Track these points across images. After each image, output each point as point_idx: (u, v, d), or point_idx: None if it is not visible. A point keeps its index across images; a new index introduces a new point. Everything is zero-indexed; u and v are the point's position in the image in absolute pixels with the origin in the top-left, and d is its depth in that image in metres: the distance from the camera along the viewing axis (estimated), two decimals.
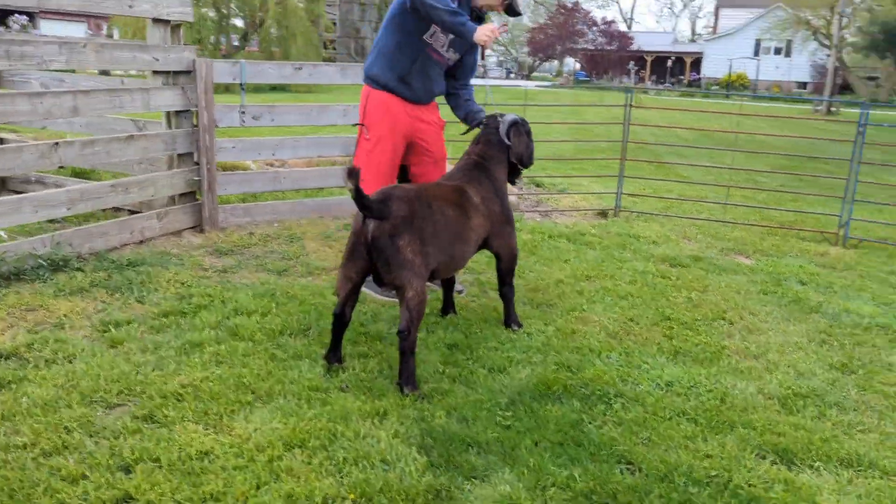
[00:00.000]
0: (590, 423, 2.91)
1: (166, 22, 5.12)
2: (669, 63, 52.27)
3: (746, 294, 4.75)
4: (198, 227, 5.44)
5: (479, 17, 4.03)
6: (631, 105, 6.76)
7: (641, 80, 51.79)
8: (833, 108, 27.93)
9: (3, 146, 4.26)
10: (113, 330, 3.53)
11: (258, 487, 2.38)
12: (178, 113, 5.29)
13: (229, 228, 5.51)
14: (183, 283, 4.26)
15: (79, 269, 4.31)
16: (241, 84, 5.48)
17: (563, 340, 3.74)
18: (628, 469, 2.61)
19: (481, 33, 3.58)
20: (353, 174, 2.94)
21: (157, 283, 4.23)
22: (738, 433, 2.89)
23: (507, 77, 60.61)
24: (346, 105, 5.99)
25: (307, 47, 25.24)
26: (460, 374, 3.28)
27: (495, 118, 3.91)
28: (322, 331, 3.64)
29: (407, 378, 3.09)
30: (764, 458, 2.74)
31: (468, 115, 4.17)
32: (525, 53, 65.54)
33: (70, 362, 3.18)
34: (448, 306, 4.04)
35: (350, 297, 3.28)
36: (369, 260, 3.15)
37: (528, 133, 3.97)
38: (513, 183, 4.09)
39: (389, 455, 2.58)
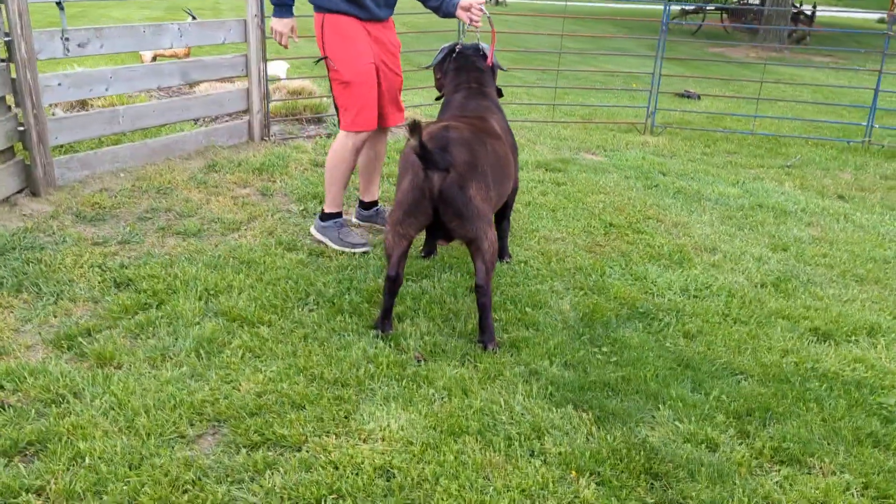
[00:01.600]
0: (671, 343, 3.02)
1: None
2: None
3: (638, 190, 5.14)
4: (29, 190, 4.28)
5: None
6: None
7: None
8: (500, 1, 30.11)
9: None
10: (84, 344, 2.73)
11: (483, 492, 2.11)
12: None
13: (69, 186, 4.42)
14: (98, 266, 3.39)
15: None
16: (57, 2, 4.28)
17: (554, 264, 3.75)
18: (744, 378, 2.79)
19: None
20: (415, 128, 2.57)
21: (61, 271, 3.31)
22: (780, 324, 3.22)
23: None
24: (180, 23, 5.03)
25: None
26: (510, 317, 3.15)
27: (476, 47, 3.62)
28: (326, 298, 3.20)
29: (490, 334, 2.89)
30: (819, 341, 3.11)
31: (444, 3, 3.58)
32: None
33: (76, 398, 2.41)
34: (431, 247, 3.78)
35: (405, 256, 2.92)
36: (434, 215, 2.81)
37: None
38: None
39: (558, 422, 2.44)
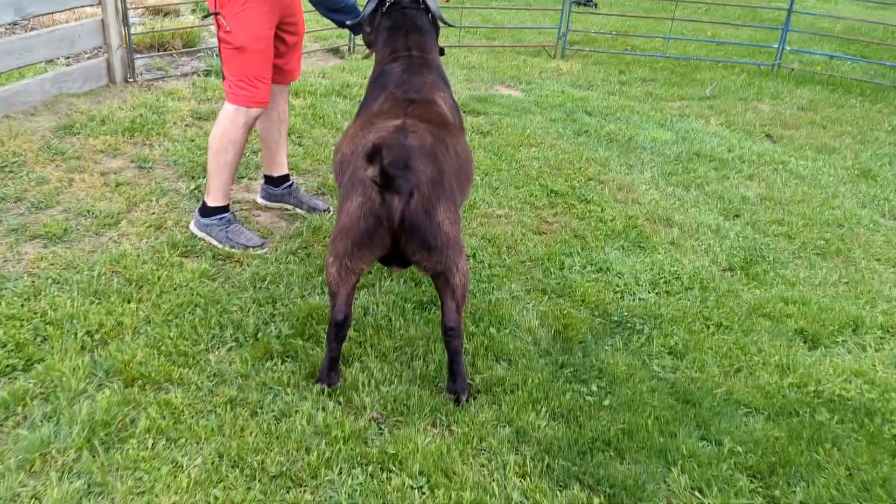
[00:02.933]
0: (659, 365, 2.65)
1: None
2: None
3: (569, 139, 4.68)
4: None
5: None
6: None
7: None
8: None
9: None
10: None
11: None
12: None
13: None
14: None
15: None
16: None
17: (505, 255, 3.27)
18: (751, 414, 2.48)
19: None
20: (375, 154, 1.97)
21: None
22: (764, 327, 2.93)
23: None
24: None
25: None
26: (476, 345, 2.66)
27: None
28: (247, 332, 2.59)
29: (463, 382, 2.39)
30: (809, 347, 2.85)
31: None
32: None
33: None
34: None
35: (353, 293, 2.33)
36: (393, 245, 2.22)
37: None
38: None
39: None
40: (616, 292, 3.07)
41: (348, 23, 3.03)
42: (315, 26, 6.58)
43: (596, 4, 9.26)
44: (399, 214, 2.14)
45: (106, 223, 3.21)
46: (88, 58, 4.75)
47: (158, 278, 2.83)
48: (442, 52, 3.02)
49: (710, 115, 5.43)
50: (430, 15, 2.92)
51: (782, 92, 6.18)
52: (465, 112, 4.99)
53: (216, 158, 3.02)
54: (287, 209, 3.52)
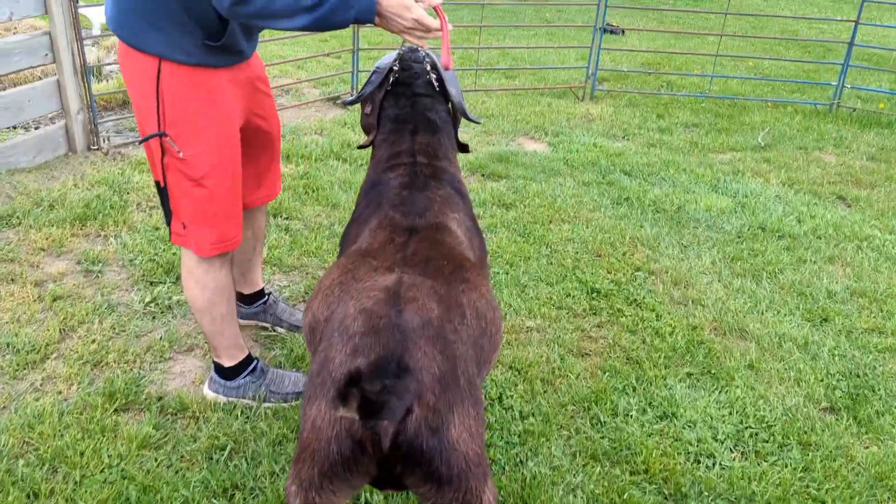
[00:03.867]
0: None
1: None
2: None
3: (607, 210, 3.94)
4: None
5: None
6: None
7: None
8: None
9: None
10: None
11: None
12: None
13: None
14: None
15: None
16: None
17: (540, 395, 2.53)
18: None
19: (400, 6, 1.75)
20: (347, 397, 1.27)
21: None
22: None
23: None
24: None
25: None
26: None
27: (427, 70, 2.17)
28: None
29: None
30: None
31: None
32: None
33: None
34: None
35: None
36: (384, 472, 1.49)
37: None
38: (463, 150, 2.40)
39: None
40: (688, 454, 2.32)
41: (345, 101, 2.31)
42: (316, 70, 5.92)
43: (623, 32, 8.55)
44: (391, 438, 1.41)
45: (29, 360, 2.51)
46: (38, 126, 4.09)
47: (81, 454, 2.12)
48: (465, 149, 2.31)
49: (769, 170, 4.68)
50: (449, 104, 2.21)
51: (846, 137, 5.41)
52: (483, 176, 4.28)
53: (207, 317, 2.26)
54: (264, 327, 2.82)
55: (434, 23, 1.83)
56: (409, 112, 2.13)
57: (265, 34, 6.58)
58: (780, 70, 7.17)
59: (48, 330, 2.66)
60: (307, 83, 5.69)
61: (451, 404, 1.47)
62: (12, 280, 2.93)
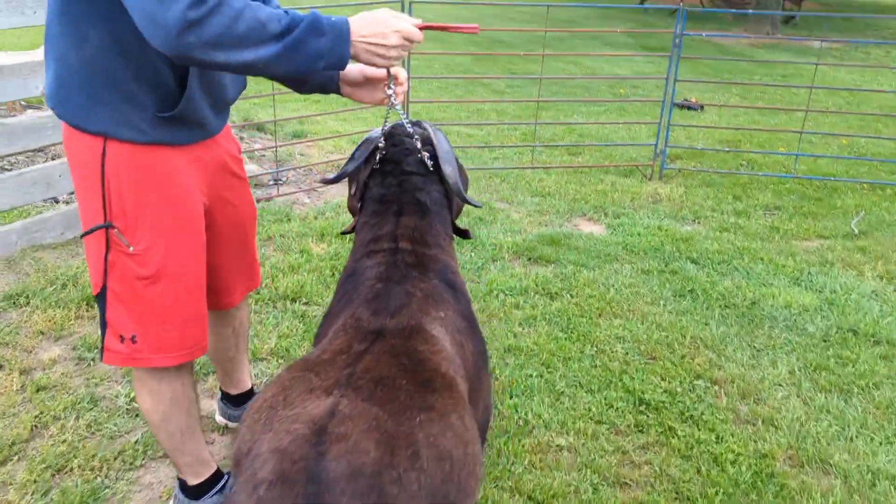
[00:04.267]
0: None
1: None
2: None
3: (668, 304, 3.47)
4: None
5: None
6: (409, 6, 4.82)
7: None
8: None
9: None
10: None
11: None
12: None
13: None
14: None
15: None
16: None
17: None
18: None
19: (379, 28, 1.53)
20: None
21: None
22: None
23: None
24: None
25: None
26: None
27: (402, 139, 1.87)
28: None
29: None
30: None
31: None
32: None
33: None
34: None
35: None
36: None
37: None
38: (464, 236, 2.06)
39: None
40: None
41: (324, 178, 2.01)
42: (357, 124, 5.73)
43: (702, 107, 8.12)
44: None
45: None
46: (67, 202, 4.00)
47: None
48: (465, 235, 1.96)
49: (863, 262, 4.10)
50: (443, 184, 1.88)
51: None
52: (529, 260, 3.89)
53: (163, 432, 1.95)
54: None
55: (417, 33, 1.58)
56: (396, 192, 1.81)
57: (322, 103, 6.43)
58: (877, 149, 6.56)
59: (19, 427, 2.40)
60: (347, 144, 5.50)
61: None
62: (0, 366, 2.72)
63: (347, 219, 4.31)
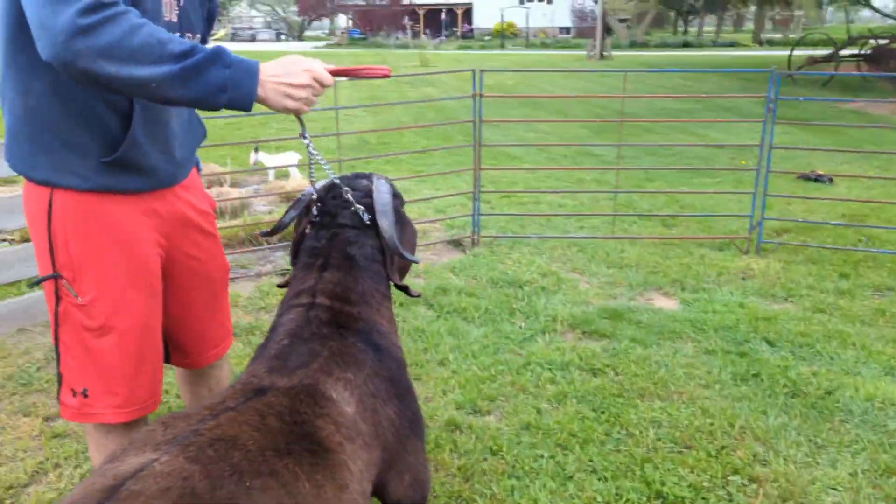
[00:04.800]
0: None
1: None
2: (443, 16, 51.48)
3: (723, 388, 3.12)
4: None
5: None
6: (480, 74, 4.82)
7: (416, 34, 50.52)
8: (605, 53, 28.22)
9: None
10: None
11: None
12: None
13: None
14: None
15: None
16: None
17: None
18: None
19: (292, 73, 1.54)
20: None
21: None
22: None
23: (278, 39, 56.73)
24: None
25: None
26: None
27: (340, 194, 1.79)
28: None
29: None
30: None
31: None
32: (294, 13, 61.77)
33: None
34: None
35: None
36: None
37: (400, 197, 1.93)
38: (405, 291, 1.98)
39: None
40: None
41: (262, 232, 1.97)
42: (454, 209, 5.72)
43: (831, 180, 7.50)
44: None
45: None
46: None
47: None
48: (407, 292, 1.86)
49: None
50: (380, 239, 1.79)
51: None
52: (581, 333, 3.66)
53: None
54: None
55: (328, 76, 1.56)
56: (326, 245, 1.74)
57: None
58: None
59: (20, 471, 2.50)
60: (437, 224, 5.50)
61: None
62: (28, 412, 2.86)
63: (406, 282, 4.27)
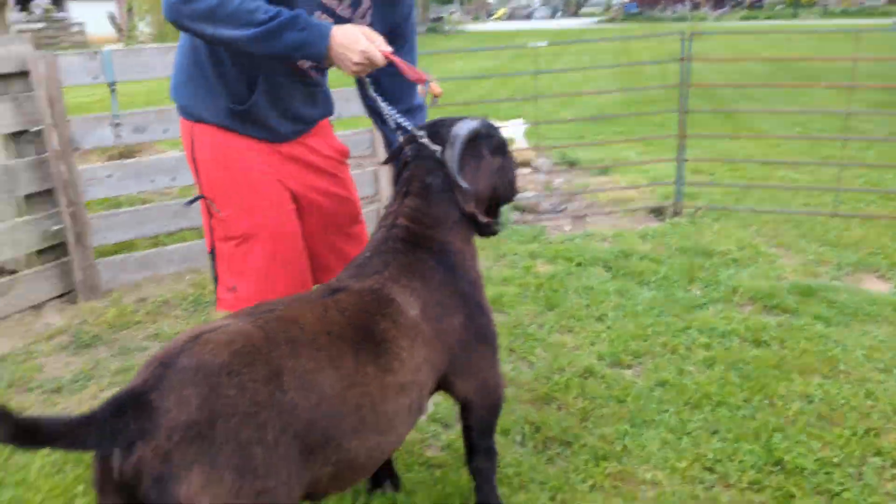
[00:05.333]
0: None
1: None
2: None
3: None
4: (69, 296, 3.81)
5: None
6: (689, 38, 4.69)
7: (697, 6, 47.84)
8: None
9: None
10: None
11: None
12: (16, 135, 3.63)
13: (117, 291, 3.85)
14: None
15: None
16: (110, 85, 3.75)
17: None
18: None
19: (352, 42, 1.81)
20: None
21: None
22: None
23: (553, 17, 57.31)
24: None
25: None
26: None
27: (438, 130, 2.02)
28: None
29: None
30: None
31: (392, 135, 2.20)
32: None
33: None
34: (382, 474, 2.28)
35: None
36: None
37: (502, 148, 2.11)
38: (484, 235, 2.21)
39: None
40: None
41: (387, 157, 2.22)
42: (655, 153, 5.61)
43: None
44: (118, 470, 1.36)
45: None
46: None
47: None
48: (484, 228, 2.02)
49: None
50: (447, 179, 1.99)
51: None
52: (763, 307, 3.50)
53: None
54: None
55: (380, 57, 1.82)
56: (409, 176, 1.99)
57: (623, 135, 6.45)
58: None
59: None
60: (640, 190, 5.45)
61: (193, 459, 1.35)
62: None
63: (586, 246, 4.38)
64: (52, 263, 3.77)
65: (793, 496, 2.17)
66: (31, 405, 2.85)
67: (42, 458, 2.42)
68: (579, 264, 4.05)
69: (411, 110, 2.21)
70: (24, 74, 3.55)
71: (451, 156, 1.92)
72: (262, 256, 2.17)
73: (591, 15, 52.68)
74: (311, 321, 1.61)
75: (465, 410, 2.00)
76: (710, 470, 2.32)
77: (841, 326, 3.27)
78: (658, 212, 4.99)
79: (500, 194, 2.10)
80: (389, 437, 1.67)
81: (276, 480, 1.43)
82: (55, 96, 3.56)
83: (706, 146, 6.76)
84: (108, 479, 1.39)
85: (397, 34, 2.11)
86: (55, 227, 3.72)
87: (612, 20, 43.34)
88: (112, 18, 27.46)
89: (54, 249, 3.79)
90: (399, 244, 1.88)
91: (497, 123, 2.10)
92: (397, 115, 2.08)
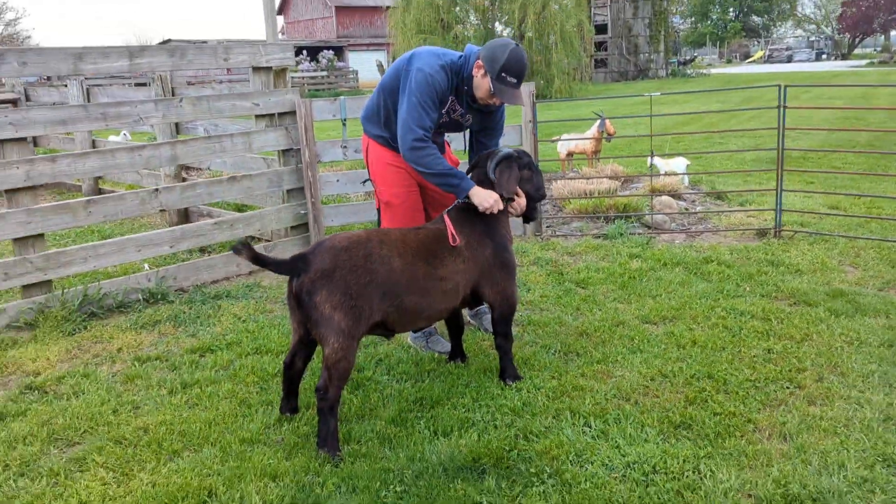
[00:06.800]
0: None
1: (268, 69, 5.53)
2: None
3: (857, 346, 3.74)
4: None
5: (481, 110, 3.73)
6: None
7: None
8: None
9: (108, 195, 4.93)
10: (138, 366, 3.90)
11: None
12: (285, 151, 5.68)
13: None
14: (240, 318, 4.56)
15: (170, 302, 4.85)
16: (342, 119, 5.70)
17: (552, 401, 3.31)
18: None
19: (482, 199, 3.42)
20: (239, 251, 2.94)
21: (219, 317, 4.59)
22: None
23: (818, 59, 54.20)
24: None
25: (569, 53, 25.10)
26: (398, 435, 3.08)
27: (492, 153, 3.59)
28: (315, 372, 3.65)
29: (324, 439, 2.98)
30: None
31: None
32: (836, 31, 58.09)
33: (74, 397, 3.58)
34: (456, 352, 3.79)
35: (299, 348, 3.22)
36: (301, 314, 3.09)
37: (529, 165, 3.60)
38: (526, 221, 3.76)
39: None
40: None
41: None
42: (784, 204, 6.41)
43: None
44: (294, 290, 3.04)
45: None
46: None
47: None
48: (530, 215, 3.55)
49: None
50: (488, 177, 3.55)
51: None
52: (795, 301, 4.44)
53: None
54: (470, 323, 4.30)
55: (495, 209, 3.44)
56: (472, 176, 3.56)
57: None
58: None
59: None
60: (742, 214, 6.32)
61: (323, 285, 2.99)
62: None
63: (684, 252, 5.48)
64: (298, 236, 5.75)
65: (717, 394, 3.31)
66: (273, 310, 4.73)
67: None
68: (665, 264, 5.22)
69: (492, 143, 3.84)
70: (292, 113, 5.59)
71: (490, 165, 3.45)
72: (399, 218, 3.85)
73: (865, 57, 48.86)
74: (396, 236, 3.20)
75: (492, 309, 3.47)
76: (663, 375, 3.51)
77: (844, 317, 4.14)
78: (762, 233, 5.91)
79: (531, 195, 3.58)
80: (429, 302, 3.20)
81: (364, 303, 3.02)
82: (309, 126, 5.56)
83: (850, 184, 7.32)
84: (290, 294, 3.07)
85: (487, 127, 3.83)
86: (302, 212, 5.71)
87: (884, 63, 39.86)
88: (379, 66, 31.76)
89: (300, 228, 5.78)
90: (461, 209, 3.43)
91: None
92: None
